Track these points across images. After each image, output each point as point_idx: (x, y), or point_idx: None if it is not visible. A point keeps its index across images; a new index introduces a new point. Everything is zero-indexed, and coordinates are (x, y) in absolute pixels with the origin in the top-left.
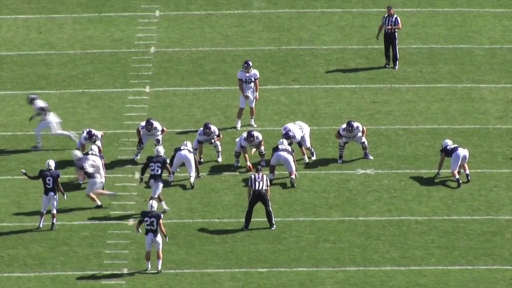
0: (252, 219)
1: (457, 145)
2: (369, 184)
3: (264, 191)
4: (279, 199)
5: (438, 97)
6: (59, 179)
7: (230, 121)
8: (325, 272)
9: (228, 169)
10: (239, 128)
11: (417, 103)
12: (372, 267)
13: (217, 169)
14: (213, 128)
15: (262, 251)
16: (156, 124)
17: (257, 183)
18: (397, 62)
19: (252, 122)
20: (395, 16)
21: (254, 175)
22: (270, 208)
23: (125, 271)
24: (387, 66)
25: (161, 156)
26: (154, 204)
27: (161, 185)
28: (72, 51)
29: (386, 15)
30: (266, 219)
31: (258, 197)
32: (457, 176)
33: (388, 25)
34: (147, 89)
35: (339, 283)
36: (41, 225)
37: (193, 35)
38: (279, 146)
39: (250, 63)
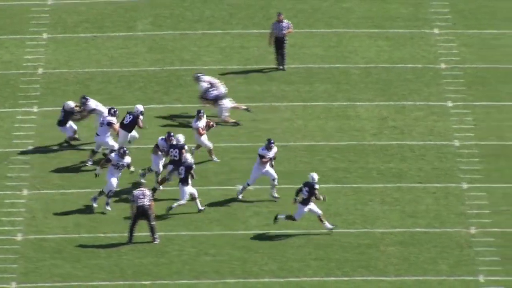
0: (136, 234)
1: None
2: (248, 199)
3: (147, 206)
4: (162, 214)
5: (315, 115)
6: None
7: None
8: (205, 284)
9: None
10: None
11: (294, 121)
12: (252, 279)
13: (102, 185)
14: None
15: (146, 265)
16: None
17: (139, 199)
18: (285, 63)
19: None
20: (285, 21)
21: (137, 192)
22: (154, 223)
23: (14, 285)
24: (279, 68)
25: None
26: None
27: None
28: None
29: (275, 21)
30: (149, 233)
31: (141, 212)
32: None
33: (282, 30)
34: (35, 109)
35: None
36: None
37: (79, 57)
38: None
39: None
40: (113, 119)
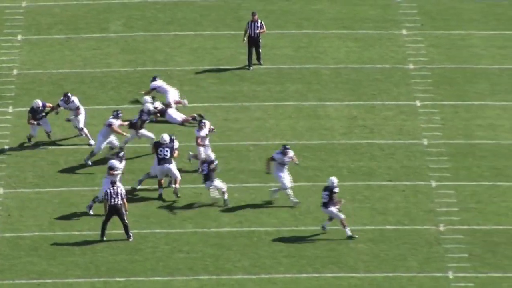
0: (110, 231)
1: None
2: (220, 197)
3: (119, 205)
4: (136, 212)
5: (286, 115)
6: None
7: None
8: (179, 281)
9: (87, 184)
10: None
11: (266, 120)
12: (225, 276)
13: (76, 184)
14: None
15: (120, 262)
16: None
17: (112, 198)
18: (261, 59)
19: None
20: (259, 21)
21: (110, 190)
22: (127, 222)
23: None
24: (249, 69)
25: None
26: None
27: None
28: None
29: (250, 21)
30: (123, 231)
31: (114, 211)
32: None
33: (255, 30)
34: (10, 109)
35: None
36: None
37: (53, 58)
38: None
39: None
40: (113, 121)
